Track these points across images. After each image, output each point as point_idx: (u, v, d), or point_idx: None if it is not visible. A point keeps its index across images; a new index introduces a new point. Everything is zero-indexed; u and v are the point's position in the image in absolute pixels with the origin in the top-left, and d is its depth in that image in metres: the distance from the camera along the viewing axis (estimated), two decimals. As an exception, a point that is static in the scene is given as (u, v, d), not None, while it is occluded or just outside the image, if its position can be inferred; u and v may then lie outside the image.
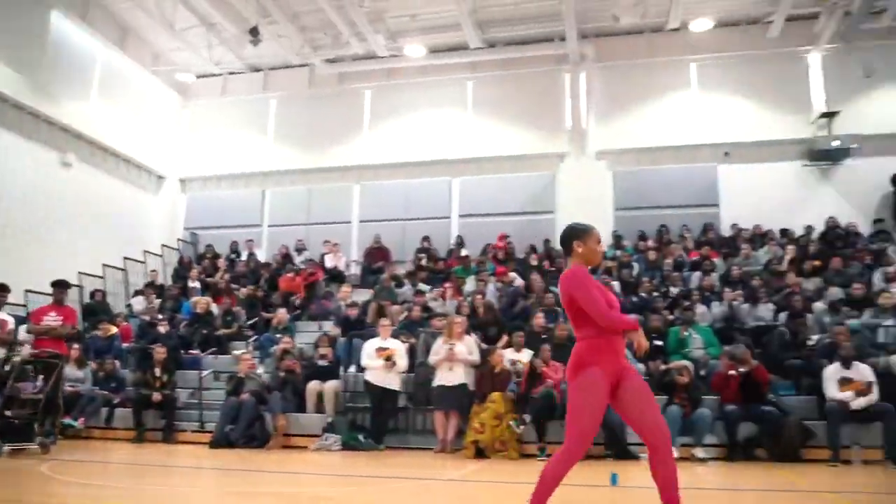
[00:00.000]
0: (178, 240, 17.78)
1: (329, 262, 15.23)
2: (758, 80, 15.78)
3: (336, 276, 14.78)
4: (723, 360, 9.09)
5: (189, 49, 16.65)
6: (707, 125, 15.83)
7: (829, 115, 15.13)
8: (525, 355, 9.69)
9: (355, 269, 15.80)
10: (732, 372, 8.81)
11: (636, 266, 13.76)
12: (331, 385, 9.87)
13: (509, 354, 9.70)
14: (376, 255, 15.38)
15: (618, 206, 16.11)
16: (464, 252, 15.06)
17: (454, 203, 16.85)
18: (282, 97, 18.23)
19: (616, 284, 12.59)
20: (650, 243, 14.78)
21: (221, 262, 15.74)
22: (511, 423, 8.62)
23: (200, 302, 12.87)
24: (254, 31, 14.43)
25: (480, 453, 8.60)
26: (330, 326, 12.10)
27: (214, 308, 13.05)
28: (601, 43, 16.24)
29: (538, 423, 8.69)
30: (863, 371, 8.66)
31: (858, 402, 8.39)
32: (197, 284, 14.56)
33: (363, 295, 13.45)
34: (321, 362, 10.12)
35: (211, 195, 18.27)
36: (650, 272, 13.47)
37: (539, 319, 10.68)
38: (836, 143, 14.96)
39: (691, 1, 14.80)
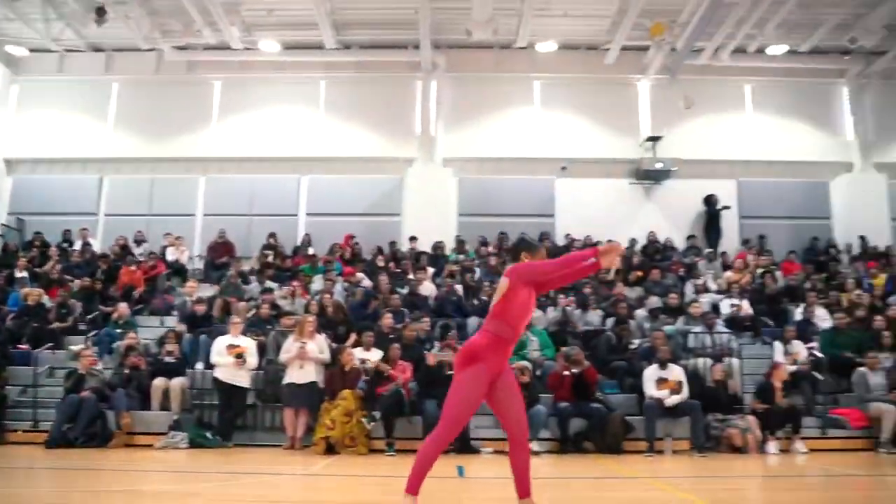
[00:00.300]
0: (2, 225, 16.44)
1: (171, 256, 14.74)
2: (594, 102, 17.04)
3: (178, 271, 14.36)
4: (559, 360, 9.85)
5: (22, 20, 15.48)
6: (547, 140, 16.88)
7: (654, 140, 16.63)
8: (374, 354, 10.00)
9: (198, 264, 15.38)
10: (566, 372, 9.58)
11: (478, 271, 14.41)
12: (177, 382, 9.68)
13: (359, 353, 9.96)
14: (220, 250, 15.07)
15: (461, 211, 16.74)
16: (311, 251, 15.12)
17: (302, 201, 16.81)
18: (125, 81, 17.32)
19: (459, 288, 13.19)
20: (491, 249, 15.54)
21: (53, 251, 14.75)
22: (363, 419, 8.89)
23: (32, 293, 12.04)
24: (100, 11, 13.70)
25: (331, 449, 8.80)
26: (173, 322, 11.79)
27: (47, 300, 12.26)
28: (453, 54, 16.83)
29: (387, 420, 9.02)
30: (676, 372, 9.74)
31: (672, 400, 9.42)
32: (25, 274, 13.59)
33: (207, 290, 13.18)
34: (168, 359, 9.89)
35: (41, 179, 17.00)
36: (491, 277, 14.12)
37: (387, 320, 11.02)
38: (659, 165, 16.46)
39: (538, 23, 15.72)
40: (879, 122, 17.31)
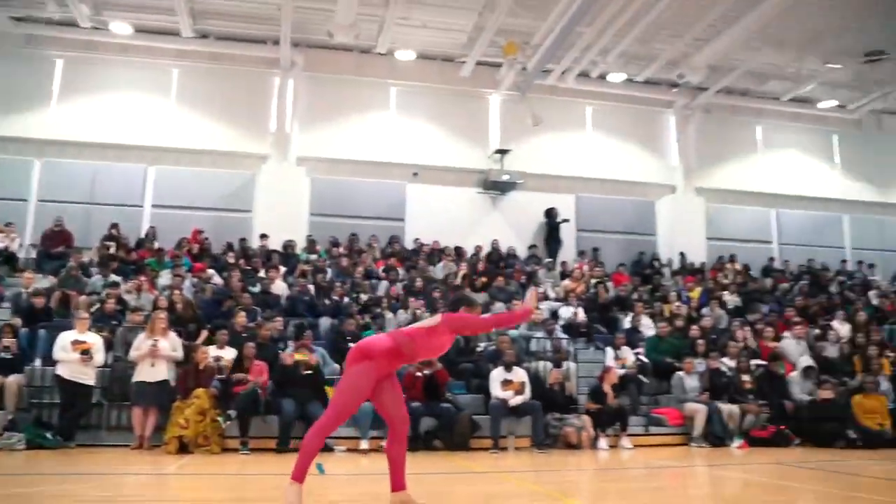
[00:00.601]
0: None
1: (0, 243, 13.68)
2: (448, 112, 17.63)
3: (8, 259, 13.36)
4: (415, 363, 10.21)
5: None
6: (401, 146, 17.24)
7: (503, 152, 17.44)
8: (228, 353, 9.91)
9: (30, 253, 14.33)
10: (419, 373, 9.97)
11: (329, 271, 14.52)
12: (13, 379, 9.07)
13: (213, 352, 9.83)
14: (56, 239, 14.11)
15: (313, 211, 16.70)
16: (156, 244, 14.59)
17: (148, 192, 16.07)
18: (-52, 50, 15.85)
19: (311, 287, 13.26)
20: (342, 250, 15.69)
21: None
22: (218, 418, 8.81)
23: None
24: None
25: (183, 448, 8.64)
26: (5, 314, 11.01)
27: None
28: (312, 53, 16.81)
29: (242, 419, 8.99)
30: (520, 374, 10.39)
31: (516, 400, 10.05)
32: None
33: (42, 282, 12.38)
34: (3, 354, 9.23)
35: None
36: (342, 278, 14.31)
37: (241, 318, 10.92)
38: (506, 177, 17.29)
39: (399, 32, 16.08)
40: (700, 150, 19.17)
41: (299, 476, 4.44)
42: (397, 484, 4.83)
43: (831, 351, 12.80)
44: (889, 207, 20.58)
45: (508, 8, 14.58)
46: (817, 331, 13.67)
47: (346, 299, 12.99)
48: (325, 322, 12.37)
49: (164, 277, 12.99)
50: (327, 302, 12.99)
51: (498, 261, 16.54)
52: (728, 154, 19.55)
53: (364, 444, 9.36)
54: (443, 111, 17.64)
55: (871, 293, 16.81)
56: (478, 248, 16.77)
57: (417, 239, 16.61)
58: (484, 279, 14.94)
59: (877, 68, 17.08)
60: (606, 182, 18.61)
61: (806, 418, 10.67)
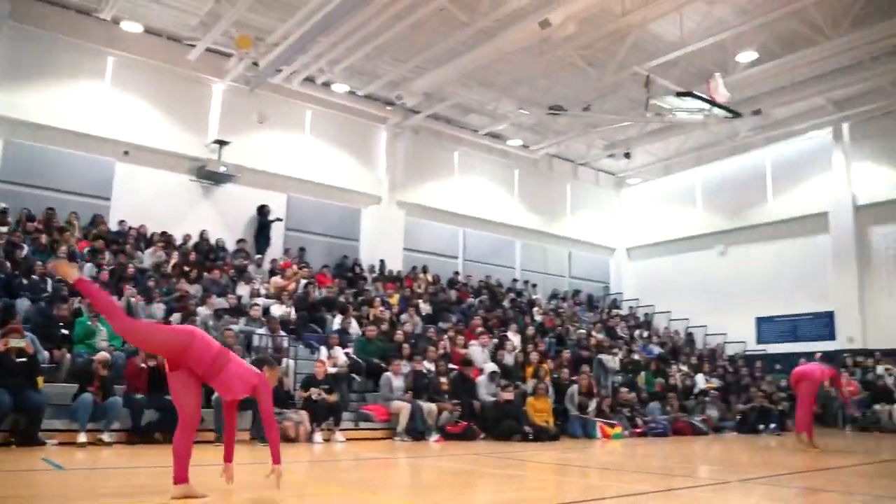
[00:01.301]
0: None
1: None
2: (169, 93, 16.92)
3: None
4: (142, 353, 9.89)
5: None
6: (114, 121, 16.14)
7: (222, 143, 17.23)
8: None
9: None
10: (143, 365, 9.73)
11: (26, 247, 13.17)
12: None
13: None
14: None
15: (5, 178, 14.79)
16: None
17: None
18: None
19: (9, 265, 12.01)
20: (38, 225, 14.30)
21: None
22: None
23: None
24: None
25: None
26: None
27: None
28: (22, 3, 14.96)
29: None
30: (246, 369, 10.61)
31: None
32: None
33: None
34: None
35: None
36: (40, 256, 13.06)
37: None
38: (223, 169, 17.10)
39: (128, 0, 15.17)
40: (405, 167, 20.77)
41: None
42: (180, 476, 5.02)
43: (508, 358, 14.88)
44: (552, 237, 24.29)
45: (250, 3, 14.59)
46: (496, 340, 15.77)
47: (49, 280, 11.97)
48: (23, 303, 11.30)
49: None
50: (25, 281, 11.87)
51: (207, 252, 16.32)
52: (429, 174, 21.45)
53: (82, 438, 8.90)
54: (163, 92, 16.87)
55: (535, 309, 19.71)
56: (186, 237, 16.38)
57: (123, 221, 15.72)
58: (196, 271, 14.73)
59: (556, 120, 20.13)
60: (318, 185, 19.29)
61: (490, 416, 12.39)
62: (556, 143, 22.35)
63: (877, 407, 16.24)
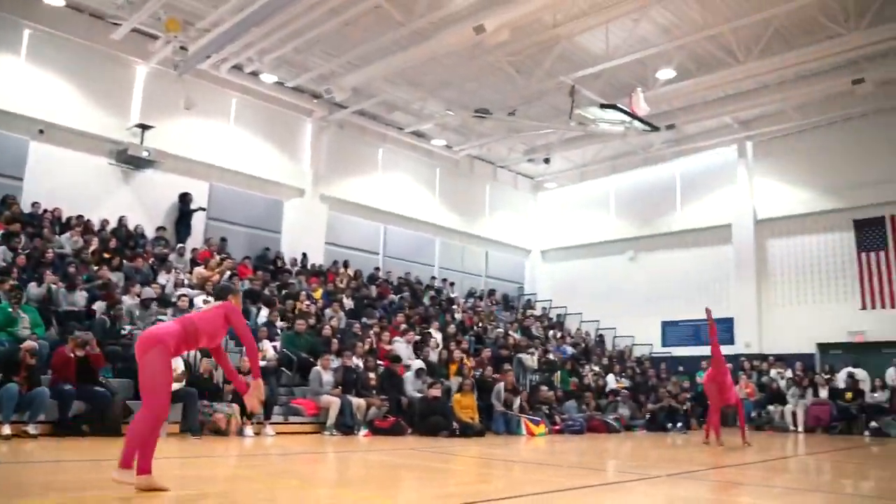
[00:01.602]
0: None
1: None
2: (90, 72, 16.25)
3: None
4: (71, 342, 9.60)
5: None
6: (28, 97, 15.37)
7: (144, 127, 16.73)
8: None
9: None
10: (72, 354, 9.46)
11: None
12: None
13: None
14: None
15: None
16: None
17: None
18: None
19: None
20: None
21: None
22: None
23: None
24: None
25: None
26: None
27: None
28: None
29: None
30: (178, 361, 10.46)
31: (175, 387, 10.09)
32: None
33: None
34: None
35: None
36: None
37: None
38: (145, 154, 16.58)
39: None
40: (330, 161, 20.72)
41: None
42: (144, 467, 5.03)
43: (433, 356, 15.15)
44: (470, 237, 24.75)
45: (183, -14, 14.29)
46: (418, 337, 16.01)
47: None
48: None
49: None
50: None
51: (127, 239, 15.86)
52: (353, 169, 21.45)
53: (6, 430, 8.58)
54: (83, 70, 16.19)
55: (454, 307, 20.08)
56: (104, 223, 15.86)
57: (37, 203, 15.05)
58: (118, 258, 14.31)
59: (481, 123, 20.53)
60: (241, 175, 18.98)
61: (418, 412, 12.64)
62: (479, 146, 22.80)
63: (770, 407, 17.43)
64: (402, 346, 14.90)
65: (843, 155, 19.90)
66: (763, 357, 19.79)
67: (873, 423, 15.77)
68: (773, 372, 18.65)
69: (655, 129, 18.06)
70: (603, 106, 16.78)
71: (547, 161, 23.12)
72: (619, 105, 16.54)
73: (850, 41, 15.21)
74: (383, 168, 22.36)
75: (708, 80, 17.37)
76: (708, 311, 12.29)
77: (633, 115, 16.55)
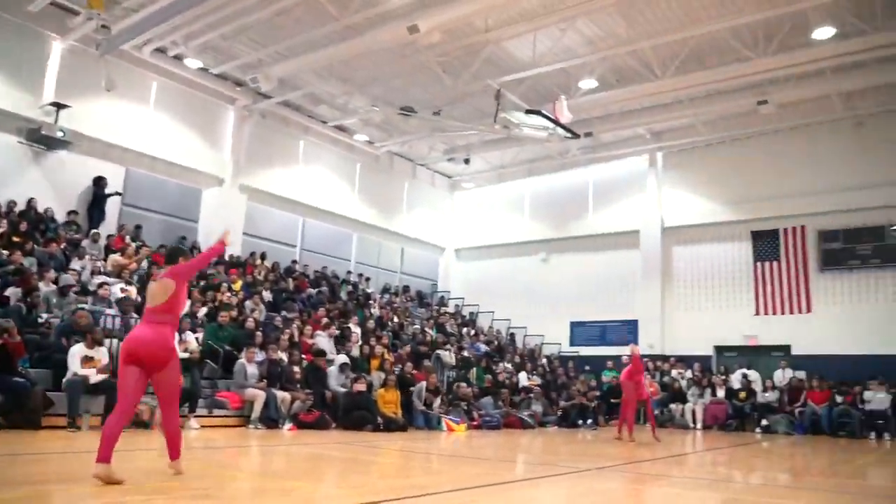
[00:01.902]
0: None
1: None
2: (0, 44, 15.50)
3: None
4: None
5: None
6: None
7: (60, 106, 16.04)
8: None
9: None
10: (-5, 343, 9.10)
11: None
12: None
13: None
14: None
15: None
16: None
17: None
18: None
19: None
20: None
21: None
22: None
23: None
24: None
25: None
26: None
27: None
28: None
29: None
30: (101, 351, 10.22)
31: (97, 378, 9.89)
32: None
33: None
34: None
35: None
36: None
37: None
38: (60, 134, 15.92)
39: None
40: (251, 151, 20.42)
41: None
42: (104, 455, 5.05)
43: (355, 350, 15.25)
44: (387, 233, 24.91)
45: (109, -37, 13.83)
46: (338, 332, 16.06)
47: None
48: None
49: None
50: None
51: (37, 223, 15.21)
52: (274, 160, 21.22)
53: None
54: (-6, 43, 15.44)
55: (371, 303, 20.19)
56: (11, 204, 15.16)
57: (-63, 182, 14.28)
58: (30, 242, 13.73)
59: (405, 120, 20.67)
60: (159, 161, 18.48)
61: (342, 406, 12.73)
62: (401, 143, 22.97)
63: (672, 406, 18.42)
64: (324, 341, 14.93)
65: (746, 170, 21.18)
66: (665, 358, 20.83)
67: (764, 421, 16.99)
68: (674, 372, 19.67)
69: (576, 136, 18.71)
70: (528, 111, 17.27)
71: (467, 161, 23.52)
72: (543, 111, 17.07)
73: (757, 65, 16.28)
74: (304, 160, 22.19)
75: (626, 92, 18.18)
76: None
77: (557, 122, 17.12)
